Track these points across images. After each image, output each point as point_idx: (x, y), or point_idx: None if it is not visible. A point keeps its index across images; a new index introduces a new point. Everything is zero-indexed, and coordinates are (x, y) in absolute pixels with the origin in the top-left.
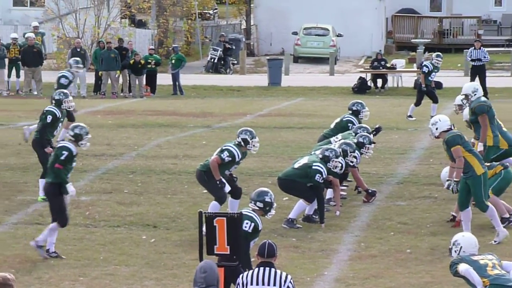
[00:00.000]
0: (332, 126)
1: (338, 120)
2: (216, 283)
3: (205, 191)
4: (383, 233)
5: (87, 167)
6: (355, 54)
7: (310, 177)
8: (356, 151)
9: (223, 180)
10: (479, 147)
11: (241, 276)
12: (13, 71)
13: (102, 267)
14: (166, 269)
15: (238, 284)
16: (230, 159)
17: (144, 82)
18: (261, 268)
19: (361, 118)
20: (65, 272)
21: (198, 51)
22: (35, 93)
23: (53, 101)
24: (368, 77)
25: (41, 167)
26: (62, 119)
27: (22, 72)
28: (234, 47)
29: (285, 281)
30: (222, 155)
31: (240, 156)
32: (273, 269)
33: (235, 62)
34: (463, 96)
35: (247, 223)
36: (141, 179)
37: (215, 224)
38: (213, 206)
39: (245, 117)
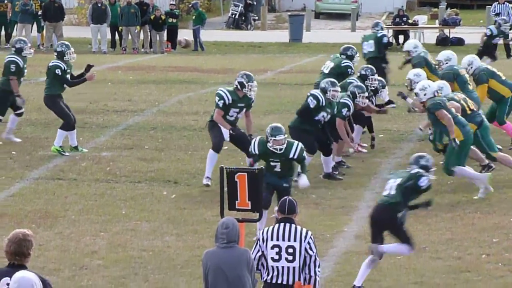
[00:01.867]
0: (326, 71)
1: (333, 65)
2: (237, 239)
3: (226, 147)
4: None
5: (108, 122)
6: (377, 10)
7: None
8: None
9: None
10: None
11: (261, 231)
12: (34, 26)
13: (123, 222)
14: (187, 225)
15: (259, 239)
16: (222, 101)
17: (165, 38)
18: (282, 224)
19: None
20: (86, 227)
21: (219, 7)
22: (52, 48)
23: (56, 54)
24: (390, 33)
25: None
26: (69, 71)
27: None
28: (255, 3)
29: (305, 237)
30: (216, 102)
31: (230, 98)
32: (293, 225)
33: (256, 18)
34: (437, 62)
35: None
36: (162, 135)
37: (236, 180)
38: (210, 155)
39: (266, 74)
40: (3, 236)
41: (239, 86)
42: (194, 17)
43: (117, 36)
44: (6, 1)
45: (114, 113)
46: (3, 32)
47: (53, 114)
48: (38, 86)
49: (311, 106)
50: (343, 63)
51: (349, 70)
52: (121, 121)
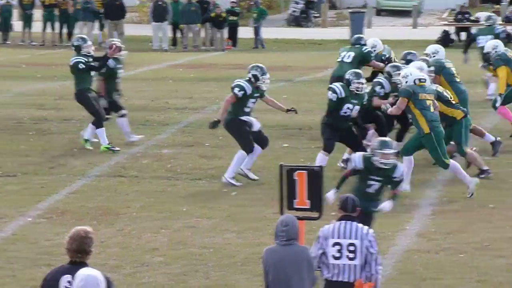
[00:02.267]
0: (347, 60)
1: (353, 54)
2: (297, 237)
3: (286, 144)
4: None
5: (169, 120)
6: (438, 7)
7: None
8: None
9: (244, 120)
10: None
11: (321, 230)
12: (96, 24)
13: (184, 219)
14: (247, 222)
15: (319, 237)
16: (242, 92)
17: (226, 35)
18: (343, 222)
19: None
20: (147, 224)
21: (279, 4)
22: None
23: (73, 49)
24: (452, 30)
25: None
26: (91, 63)
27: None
28: (316, 0)
29: (366, 235)
30: (234, 91)
31: (251, 90)
32: (354, 223)
33: (317, 15)
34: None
35: None
36: (222, 133)
37: (295, 178)
38: (239, 156)
39: (326, 71)
40: (65, 233)
41: (253, 79)
42: (255, 14)
43: (178, 34)
44: None
45: (175, 110)
46: (64, 30)
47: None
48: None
49: (331, 99)
50: (365, 49)
51: (371, 56)
52: (182, 119)
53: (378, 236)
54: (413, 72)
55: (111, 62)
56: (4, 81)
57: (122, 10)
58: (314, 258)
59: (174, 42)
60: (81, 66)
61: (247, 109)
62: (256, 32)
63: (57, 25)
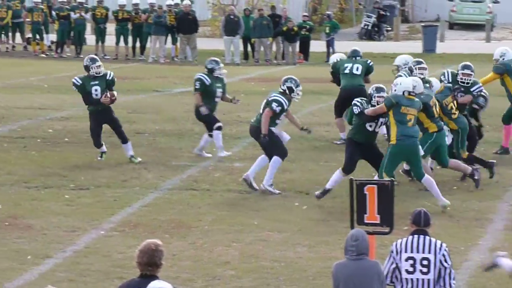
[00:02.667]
0: (358, 72)
1: (361, 66)
2: (367, 251)
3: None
4: None
5: (240, 133)
6: (511, 21)
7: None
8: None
9: (274, 132)
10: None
11: (394, 244)
12: (169, 38)
13: (255, 233)
14: (318, 236)
15: (392, 251)
16: (280, 108)
17: (298, 49)
18: (416, 236)
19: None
20: (218, 237)
21: (352, 18)
22: (190, 60)
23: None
24: None
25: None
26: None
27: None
28: (388, 14)
29: (440, 249)
30: (272, 106)
31: (287, 104)
32: (427, 237)
33: (389, 28)
34: (395, 67)
35: None
36: (293, 146)
37: (365, 192)
38: (275, 161)
39: None
40: (137, 246)
41: (287, 91)
42: (327, 28)
43: (249, 48)
44: (140, 13)
45: (247, 124)
46: (137, 44)
47: (188, 125)
48: (172, 97)
49: (355, 113)
50: (369, 62)
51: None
52: None
53: (450, 250)
54: (404, 82)
55: (206, 80)
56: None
57: (195, 24)
58: (387, 273)
59: (245, 56)
60: (73, 88)
61: (278, 121)
62: (329, 45)
63: (130, 39)
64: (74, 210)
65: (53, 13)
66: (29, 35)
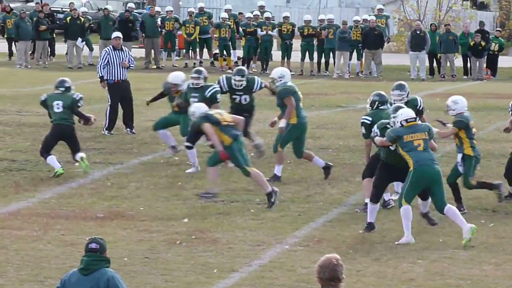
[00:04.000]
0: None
1: None
2: None
3: None
4: None
5: None
6: None
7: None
8: None
9: None
10: (281, 123)
11: None
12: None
13: (441, 250)
14: (505, 254)
15: None
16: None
17: (485, 65)
18: None
19: None
20: (403, 254)
21: None
22: (375, 75)
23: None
24: None
25: None
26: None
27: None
28: None
29: None
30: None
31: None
32: None
33: None
34: (271, 80)
35: None
36: (482, 163)
37: None
38: None
39: None
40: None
41: (373, 105)
42: None
43: (435, 63)
44: (320, 29)
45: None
46: (322, 60)
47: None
48: (356, 113)
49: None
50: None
51: None
52: (438, 149)
53: None
54: (403, 113)
55: None
56: (264, 110)
57: (381, 39)
58: None
59: (431, 71)
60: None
61: None
62: None
63: (315, 54)
64: (259, 224)
65: (240, 29)
66: (216, 50)
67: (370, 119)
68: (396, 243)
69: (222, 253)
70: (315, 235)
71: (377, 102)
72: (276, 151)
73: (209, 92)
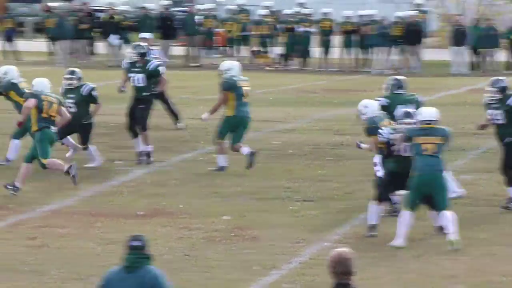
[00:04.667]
0: None
1: None
2: None
3: None
4: None
5: (466, 145)
6: None
7: None
8: None
9: None
10: (203, 115)
11: None
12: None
13: (484, 246)
14: None
15: None
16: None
17: None
18: None
19: None
20: (444, 250)
21: None
22: (415, 71)
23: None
24: None
25: None
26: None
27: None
28: None
29: None
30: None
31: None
32: None
33: None
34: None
35: None
36: None
37: None
38: None
39: None
40: (362, 258)
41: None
42: None
43: (475, 58)
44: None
45: (472, 135)
46: (361, 56)
47: None
48: None
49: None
50: None
51: None
52: (480, 144)
53: None
54: (422, 113)
55: None
56: (303, 107)
57: (419, 35)
58: None
59: (473, 66)
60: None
61: None
62: None
63: (354, 51)
64: (299, 222)
65: (279, 26)
66: (255, 47)
67: (388, 101)
68: (388, 244)
69: (262, 251)
70: (355, 232)
71: (395, 86)
72: (215, 143)
73: (85, 88)
